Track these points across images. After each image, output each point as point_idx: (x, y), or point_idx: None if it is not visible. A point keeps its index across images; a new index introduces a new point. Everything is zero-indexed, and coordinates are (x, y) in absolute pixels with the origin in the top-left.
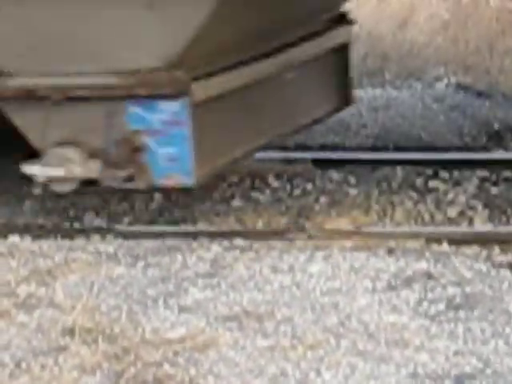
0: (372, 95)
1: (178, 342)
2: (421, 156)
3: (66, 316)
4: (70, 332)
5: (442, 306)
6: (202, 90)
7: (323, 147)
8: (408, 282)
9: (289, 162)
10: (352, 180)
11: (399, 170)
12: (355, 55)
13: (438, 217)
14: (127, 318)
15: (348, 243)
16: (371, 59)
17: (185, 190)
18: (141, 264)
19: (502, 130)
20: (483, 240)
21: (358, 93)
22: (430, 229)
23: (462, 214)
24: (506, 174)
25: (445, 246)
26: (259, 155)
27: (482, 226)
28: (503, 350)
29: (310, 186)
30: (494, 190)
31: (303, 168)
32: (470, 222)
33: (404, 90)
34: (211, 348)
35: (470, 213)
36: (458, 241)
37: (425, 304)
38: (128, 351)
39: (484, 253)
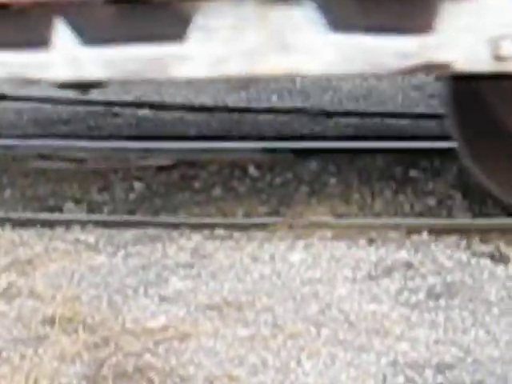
0: (352, 84)
1: (158, 331)
2: (401, 145)
3: (46, 305)
4: (50, 321)
5: (422, 295)
6: None
7: (303, 137)
8: (388, 272)
9: (268, 151)
10: (332, 169)
11: (379, 159)
12: None
13: (418, 206)
14: (107, 307)
15: (328, 233)
16: None
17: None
18: (121, 253)
19: None
20: (463, 230)
21: (337, 82)
22: (410, 218)
23: (441, 203)
24: None
25: (425, 236)
26: (239, 145)
27: (461, 215)
28: (484, 338)
29: (289, 176)
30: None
31: (283, 157)
32: (450, 211)
33: (384, 78)
34: (191, 337)
35: (449, 202)
36: (437, 230)
37: (405, 293)
38: (108, 341)
39: (464, 242)
